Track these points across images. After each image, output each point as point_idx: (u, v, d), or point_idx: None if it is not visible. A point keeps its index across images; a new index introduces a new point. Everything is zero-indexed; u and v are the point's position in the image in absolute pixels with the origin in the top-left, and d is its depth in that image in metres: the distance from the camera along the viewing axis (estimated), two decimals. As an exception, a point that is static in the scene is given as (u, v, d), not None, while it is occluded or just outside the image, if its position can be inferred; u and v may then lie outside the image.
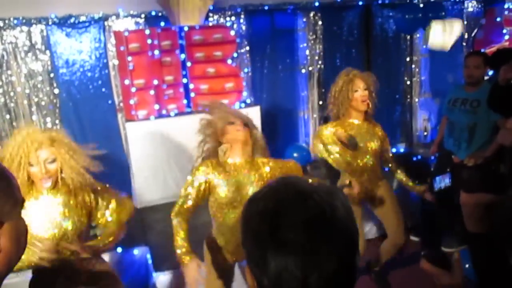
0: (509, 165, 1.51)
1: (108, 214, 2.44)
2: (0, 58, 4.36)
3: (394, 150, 5.93)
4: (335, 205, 0.84)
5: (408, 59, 5.95)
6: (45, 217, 2.21)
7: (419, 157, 5.48)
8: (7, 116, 4.44)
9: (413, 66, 6.04)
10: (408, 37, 5.89)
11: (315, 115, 5.76)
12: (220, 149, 2.47)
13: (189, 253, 2.39)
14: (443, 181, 4.16)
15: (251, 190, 2.42)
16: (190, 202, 2.45)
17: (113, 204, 2.45)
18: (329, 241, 0.81)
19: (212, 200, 2.49)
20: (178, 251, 2.43)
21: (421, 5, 5.26)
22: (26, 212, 2.05)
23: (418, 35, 5.95)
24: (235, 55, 4.88)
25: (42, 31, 4.44)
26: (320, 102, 5.71)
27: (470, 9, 6.10)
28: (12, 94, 4.44)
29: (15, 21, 4.29)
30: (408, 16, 5.09)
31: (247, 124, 2.51)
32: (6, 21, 4.26)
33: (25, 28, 4.38)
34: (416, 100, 6.17)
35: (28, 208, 2.16)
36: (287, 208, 0.83)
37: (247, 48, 5.21)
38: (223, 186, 2.41)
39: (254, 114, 4.26)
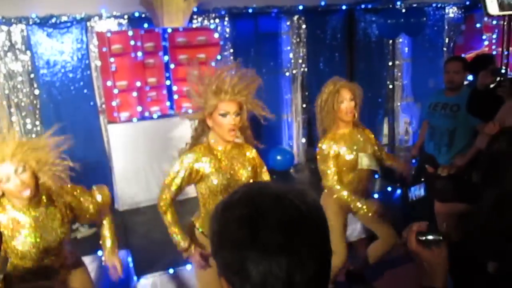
0: (481, 173, 1.55)
1: (92, 209, 2.38)
2: (-21, 57, 4.28)
3: (376, 153, 6.00)
4: (309, 204, 0.84)
5: (390, 63, 6.02)
6: (29, 231, 2.11)
7: (401, 160, 5.54)
8: (-14, 117, 4.35)
9: (395, 70, 6.12)
10: (390, 41, 5.96)
11: (298, 118, 5.78)
12: (210, 137, 2.43)
13: (191, 244, 2.43)
14: (417, 191, 4.25)
15: (244, 174, 2.43)
16: (176, 191, 2.40)
17: (94, 199, 2.40)
18: (308, 239, 0.81)
19: (203, 188, 2.40)
20: (182, 244, 2.43)
21: (403, 10, 5.32)
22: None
23: (400, 40, 6.03)
24: (218, 57, 4.87)
25: (22, 30, 4.37)
26: (304, 105, 5.74)
27: (451, 15, 6.21)
28: (-9, 94, 4.36)
29: (-5, 21, 4.22)
30: (390, 21, 5.16)
31: (239, 110, 2.42)
32: (-14, 21, 4.18)
33: (4, 28, 4.31)
34: (398, 104, 6.25)
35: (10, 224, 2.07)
36: (265, 212, 0.82)
37: (231, 50, 5.21)
38: (215, 174, 2.34)
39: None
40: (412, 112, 6.28)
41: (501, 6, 2.05)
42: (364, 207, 2.90)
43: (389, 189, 4.65)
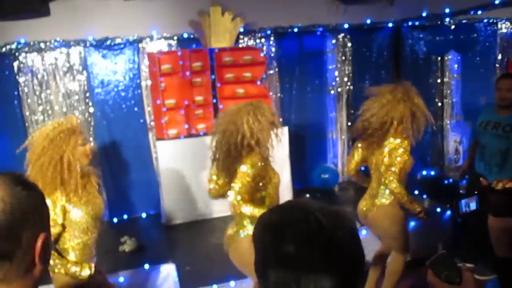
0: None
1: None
2: (41, 78, 4.57)
3: (424, 172, 5.83)
4: (338, 225, 0.87)
5: (439, 80, 5.88)
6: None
7: (451, 180, 5.36)
8: (45, 134, 4.61)
9: (444, 87, 5.96)
10: (439, 58, 5.83)
11: (343, 137, 5.73)
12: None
13: None
14: (469, 204, 4.06)
15: None
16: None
17: None
18: (328, 259, 0.83)
19: (267, 182, 2.70)
20: None
21: (452, 27, 5.21)
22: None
23: (449, 56, 5.88)
24: (264, 76, 4.95)
25: (80, 52, 4.64)
26: (349, 124, 5.69)
27: (504, 30, 6.00)
28: (50, 112, 4.63)
29: (55, 43, 4.50)
30: (438, 38, 5.04)
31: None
32: (47, 43, 4.47)
33: (64, 50, 4.59)
34: (448, 122, 6.07)
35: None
36: (290, 222, 0.87)
37: (276, 69, 5.27)
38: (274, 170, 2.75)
39: (282, 135, 4.28)
40: (462, 131, 6.07)
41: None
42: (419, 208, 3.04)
43: (438, 210, 4.50)
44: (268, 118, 2.65)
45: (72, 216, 2.38)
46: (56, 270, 2.32)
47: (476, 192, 3.90)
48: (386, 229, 3.20)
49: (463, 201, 3.80)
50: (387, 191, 3.07)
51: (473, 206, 3.85)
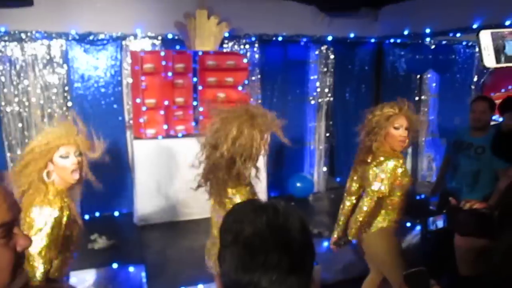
0: (500, 209, 1.53)
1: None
2: (19, 68, 4.49)
3: (397, 187, 5.93)
4: (291, 213, 0.99)
5: (417, 98, 6.02)
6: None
7: (422, 196, 5.47)
8: (19, 125, 4.54)
9: (421, 105, 6.10)
10: (418, 76, 5.97)
11: (321, 147, 5.80)
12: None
13: None
14: (436, 222, 4.15)
15: None
16: None
17: None
18: (279, 239, 0.94)
19: None
20: None
21: (432, 47, 5.35)
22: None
23: (428, 75, 6.03)
24: (246, 82, 4.98)
25: (61, 45, 4.58)
26: (327, 134, 5.76)
27: (481, 54, 6.17)
28: (26, 103, 4.55)
29: (37, 34, 4.43)
30: (418, 57, 5.18)
31: None
32: (28, 34, 4.40)
33: (45, 42, 4.53)
34: (423, 139, 6.20)
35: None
36: (249, 208, 1.00)
37: (259, 76, 5.31)
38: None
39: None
40: (436, 148, 6.22)
41: (498, 59, 2.04)
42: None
43: (408, 224, 4.59)
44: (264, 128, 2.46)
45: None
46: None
47: (444, 211, 4.00)
48: (381, 258, 2.98)
49: (430, 219, 3.88)
50: (382, 213, 2.89)
51: (440, 224, 3.93)
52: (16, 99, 4.51)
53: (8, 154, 4.55)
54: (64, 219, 2.10)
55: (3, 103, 4.48)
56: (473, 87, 6.18)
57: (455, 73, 6.02)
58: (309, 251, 0.98)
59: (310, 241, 0.99)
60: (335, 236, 3.13)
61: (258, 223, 0.94)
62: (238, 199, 2.38)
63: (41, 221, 2.02)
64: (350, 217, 3.01)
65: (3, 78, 4.45)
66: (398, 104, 2.90)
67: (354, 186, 3.10)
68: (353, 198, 3.11)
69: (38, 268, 1.97)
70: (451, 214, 3.39)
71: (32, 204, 2.06)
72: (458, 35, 4.97)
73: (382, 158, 2.80)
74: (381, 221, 2.91)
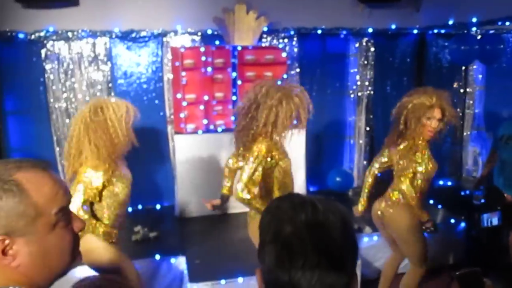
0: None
1: None
2: (66, 66, 4.67)
3: (441, 182, 5.77)
4: (331, 210, 0.95)
5: (462, 90, 5.80)
6: None
7: (467, 191, 5.29)
8: (67, 121, 4.72)
9: (467, 98, 5.88)
10: (463, 68, 5.75)
11: (361, 141, 5.71)
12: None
13: None
14: (491, 219, 4.00)
15: None
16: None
17: None
18: (319, 239, 0.91)
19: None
20: None
21: (479, 37, 5.13)
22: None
23: (474, 66, 5.80)
24: (285, 76, 4.96)
25: (105, 43, 4.73)
26: (367, 128, 5.66)
27: (532, 43, 5.87)
28: (73, 100, 4.73)
29: (82, 33, 4.59)
30: (464, 47, 4.98)
31: None
32: (74, 33, 4.57)
33: (90, 40, 4.69)
34: (468, 133, 5.98)
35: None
36: (288, 205, 0.97)
37: (298, 70, 5.28)
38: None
39: (300, 136, 4.29)
40: (482, 142, 5.98)
41: None
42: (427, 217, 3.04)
43: (452, 221, 4.45)
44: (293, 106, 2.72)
45: (114, 188, 2.72)
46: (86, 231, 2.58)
47: (498, 208, 3.84)
48: (402, 231, 3.12)
49: (485, 216, 3.74)
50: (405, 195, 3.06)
51: (495, 221, 3.80)
52: (64, 96, 4.70)
53: (57, 149, 4.75)
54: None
55: (51, 100, 4.68)
56: (523, 78, 5.89)
57: (503, 64, 5.74)
58: (351, 250, 0.94)
59: (352, 239, 0.96)
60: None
61: (297, 222, 0.92)
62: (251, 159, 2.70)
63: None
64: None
65: (52, 76, 4.64)
66: (436, 94, 2.94)
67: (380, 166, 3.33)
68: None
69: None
70: (506, 211, 3.26)
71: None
72: (507, 23, 4.74)
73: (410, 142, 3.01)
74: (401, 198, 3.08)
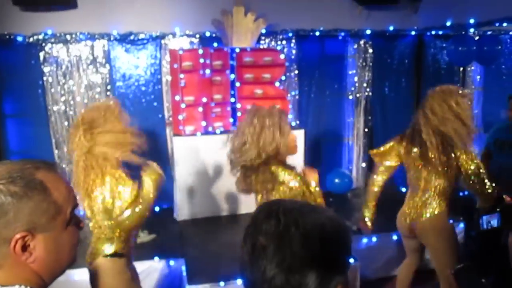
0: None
1: None
2: (65, 69, 4.68)
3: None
4: (296, 222, 0.93)
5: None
6: None
7: (466, 192, 5.29)
8: (65, 123, 4.73)
9: (465, 99, 5.88)
10: (461, 69, 5.76)
11: (359, 142, 5.72)
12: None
13: None
14: (490, 221, 4.00)
15: None
16: None
17: None
18: (277, 251, 0.91)
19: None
20: None
21: (476, 38, 5.15)
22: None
23: (472, 67, 5.81)
24: (283, 78, 4.97)
25: (104, 46, 4.74)
26: (366, 129, 5.67)
27: (529, 44, 5.89)
28: (72, 102, 4.74)
29: (81, 36, 4.60)
30: (461, 48, 4.99)
31: None
32: (73, 35, 4.58)
33: (89, 43, 4.70)
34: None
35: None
36: (262, 216, 0.98)
37: (296, 71, 5.29)
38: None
39: (299, 137, 4.30)
40: (480, 143, 5.98)
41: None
42: None
43: (451, 221, 4.45)
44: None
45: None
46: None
47: (498, 210, 3.85)
48: (434, 242, 3.00)
49: (484, 218, 3.75)
50: (434, 202, 2.94)
51: (494, 223, 3.80)
52: (63, 99, 4.72)
53: (55, 151, 4.76)
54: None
55: (50, 102, 4.69)
56: (521, 79, 5.91)
57: (501, 65, 5.76)
58: (316, 265, 0.89)
59: (316, 255, 0.90)
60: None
61: (263, 234, 0.93)
62: (294, 183, 2.46)
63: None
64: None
65: (50, 79, 4.66)
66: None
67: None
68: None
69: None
70: (505, 213, 3.26)
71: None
72: (504, 24, 4.76)
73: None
74: (435, 207, 2.95)
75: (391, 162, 3.09)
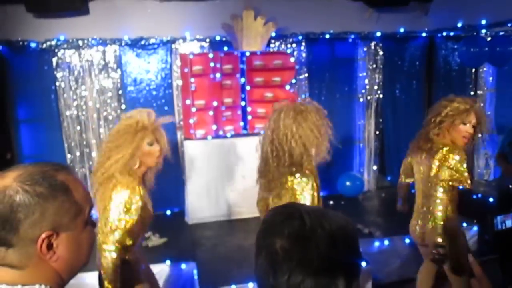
0: None
1: None
2: (77, 74, 4.73)
3: (452, 186, 5.70)
4: (321, 224, 0.90)
5: (472, 93, 5.76)
6: None
7: (479, 195, 5.24)
8: (78, 128, 4.78)
9: (477, 100, 5.82)
10: (473, 70, 5.71)
11: (371, 145, 5.69)
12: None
13: None
14: (505, 221, 3.94)
15: None
16: None
17: None
18: (304, 253, 0.88)
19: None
20: None
21: (488, 39, 5.10)
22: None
23: (484, 69, 5.76)
24: (293, 81, 4.97)
25: (115, 51, 4.78)
26: (377, 132, 5.64)
27: (543, 45, 5.82)
28: (84, 107, 4.79)
29: (93, 41, 4.65)
30: (473, 50, 4.95)
31: None
32: (85, 41, 4.63)
33: (100, 48, 4.75)
34: (480, 136, 5.91)
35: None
36: (278, 218, 0.95)
37: (306, 75, 5.28)
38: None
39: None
40: (494, 145, 5.91)
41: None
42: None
43: (464, 225, 4.40)
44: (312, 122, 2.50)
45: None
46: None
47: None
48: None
49: (498, 218, 3.69)
50: (440, 206, 2.85)
51: (509, 223, 3.74)
52: (75, 103, 4.76)
53: (68, 155, 4.80)
54: (140, 203, 2.31)
55: (63, 107, 4.74)
56: (535, 79, 5.83)
57: (514, 65, 5.69)
58: (342, 266, 0.88)
59: (343, 257, 0.89)
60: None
61: (285, 235, 0.90)
62: (304, 184, 2.44)
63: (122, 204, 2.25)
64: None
65: (62, 84, 4.71)
66: (470, 99, 2.86)
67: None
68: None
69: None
70: None
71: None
72: (516, 25, 4.72)
73: (445, 149, 2.75)
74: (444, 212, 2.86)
75: None
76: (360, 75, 5.55)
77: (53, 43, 4.58)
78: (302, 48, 5.23)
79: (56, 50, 4.64)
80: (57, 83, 4.70)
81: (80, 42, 4.63)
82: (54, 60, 4.66)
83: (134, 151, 2.32)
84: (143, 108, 2.58)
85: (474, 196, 5.31)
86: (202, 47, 4.97)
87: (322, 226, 0.90)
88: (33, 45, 4.55)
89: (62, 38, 4.58)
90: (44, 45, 4.58)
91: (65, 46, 4.63)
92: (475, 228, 4.31)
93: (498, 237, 3.79)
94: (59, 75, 4.69)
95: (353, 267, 0.91)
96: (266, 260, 0.91)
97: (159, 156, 2.46)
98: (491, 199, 4.91)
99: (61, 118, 4.77)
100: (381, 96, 5.58)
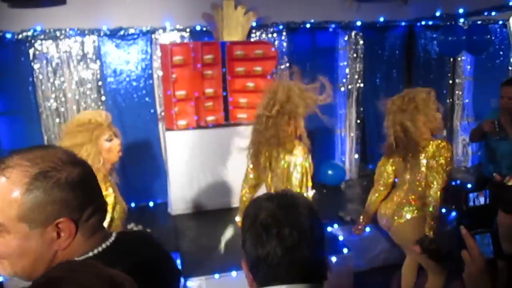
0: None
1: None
2: (55, 65, 4.65)
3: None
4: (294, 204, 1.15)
5: (450, 81, 5.85)
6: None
7: (458, 182, 5.35)
8: (57, 120, 4.71)
9: (455, 89, 5.93)
10: (451, 59, 5.79)
11: (352, 134, 5.74)
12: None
13: None
14: (478, 199, 4.04)
15: None
16: None
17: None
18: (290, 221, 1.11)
19: None
20: None
21: (466, 27, 5.18)
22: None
23: (462, 57, 5.85)
24: (274, 70, 4.97)
25: (94, 41, 4.71)
26: (358, 121, 5.70)
27: (519, 33, 5.93)
28: (63, 99, 4.71)
29: (71, 32, 4.57)
30: (451, 38, 5.02)
31: None
32: (62, 32, 4.55)
33: (79, 39, 4.66)
34: (458, 123, 6.04)
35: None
36: (264, 198, 1.19)
37: (287, 64, 5.28)
38: None
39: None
40: (471, 132, 6.04)
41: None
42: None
43: (443, 210, 4.50)
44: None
45: None
46: None
47: (486, 187, 3.88)
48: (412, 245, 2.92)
49: (471, 195, 3.77)
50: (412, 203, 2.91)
51: (482, 200, 3.83)
52: (53, 95, 4.68)
53: (47, 148, 4.73)
54: (112, 199, 2.29)
55: (41, 99, 4.66)
56: (510, 68, 5.95)
57: (491, 54, 5.80)
58: (317, 224, 1.13)
59: (316, 216, 1.15)
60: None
61: (270, 207, 1.11)
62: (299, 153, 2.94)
63: None
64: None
65: (40, 76, 4.62)
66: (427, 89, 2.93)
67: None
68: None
69: None
70: (495, 191, 3.27)
71: None
72: (493, 14, 4.79)
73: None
74: (411, 211, 2.94)
75: None
76: (341, 64, 5.58)
77: (29, 33, 4.48)
78: (283, 37, 5.23)
79: (33, 41, 4.54)
80: (35, 75, 4.61)
81: (58, 33, 4.55)
82: (31, 51, 4.56)
83: (94, 150, 2.28)
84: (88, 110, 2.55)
85: (453, 183, 5.42)
86: (182, 37, 4.92)
87: (301, 197, 1.20)
88: (8, 36, 4.45)
89: (39, 28, 4.49)
90: (20, 36, 4.47)
91: (42, 37, 4.54)
92: (454, 213, 4.41)
93: (470, 213, 3.89)
94: (36, 66, 4.60)
95: (324, 236, 1.16)
96: (255, 229, 1.09)
97: (120, 150, 2.41)
98: (469, 185, 5.02)
99: (39, 110, 4.69)
100: (361, 85, 5.63)
